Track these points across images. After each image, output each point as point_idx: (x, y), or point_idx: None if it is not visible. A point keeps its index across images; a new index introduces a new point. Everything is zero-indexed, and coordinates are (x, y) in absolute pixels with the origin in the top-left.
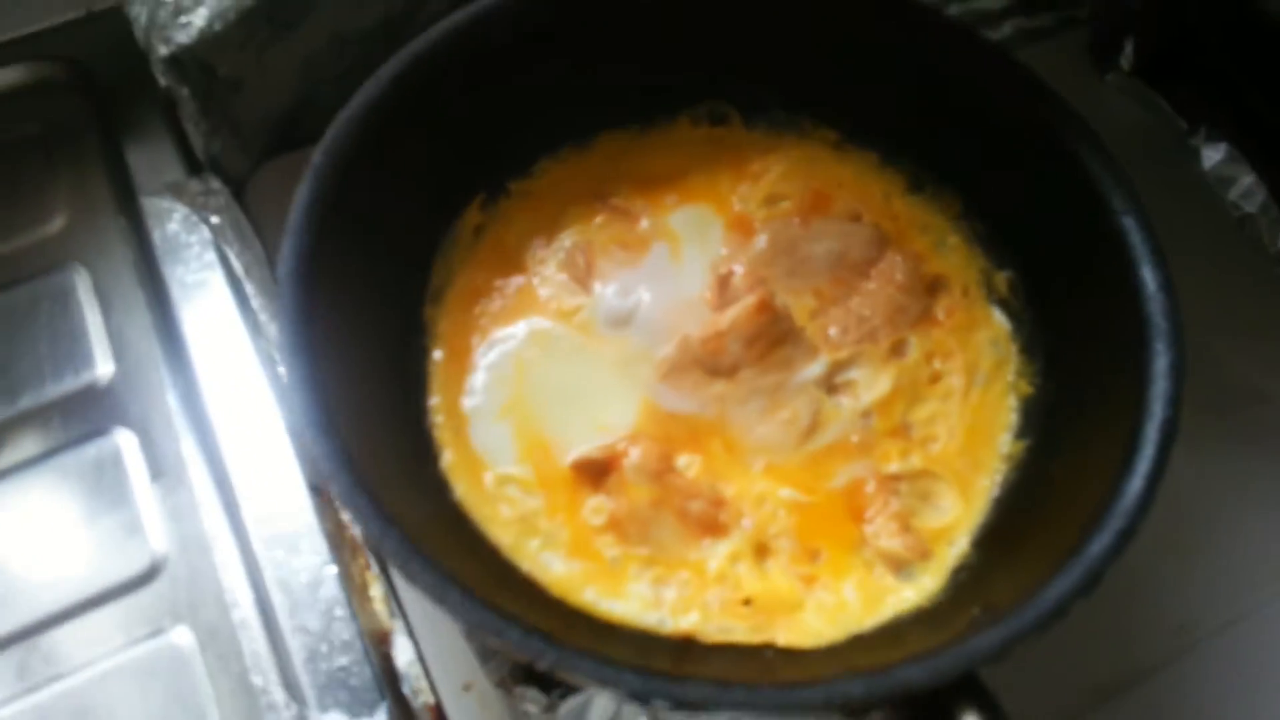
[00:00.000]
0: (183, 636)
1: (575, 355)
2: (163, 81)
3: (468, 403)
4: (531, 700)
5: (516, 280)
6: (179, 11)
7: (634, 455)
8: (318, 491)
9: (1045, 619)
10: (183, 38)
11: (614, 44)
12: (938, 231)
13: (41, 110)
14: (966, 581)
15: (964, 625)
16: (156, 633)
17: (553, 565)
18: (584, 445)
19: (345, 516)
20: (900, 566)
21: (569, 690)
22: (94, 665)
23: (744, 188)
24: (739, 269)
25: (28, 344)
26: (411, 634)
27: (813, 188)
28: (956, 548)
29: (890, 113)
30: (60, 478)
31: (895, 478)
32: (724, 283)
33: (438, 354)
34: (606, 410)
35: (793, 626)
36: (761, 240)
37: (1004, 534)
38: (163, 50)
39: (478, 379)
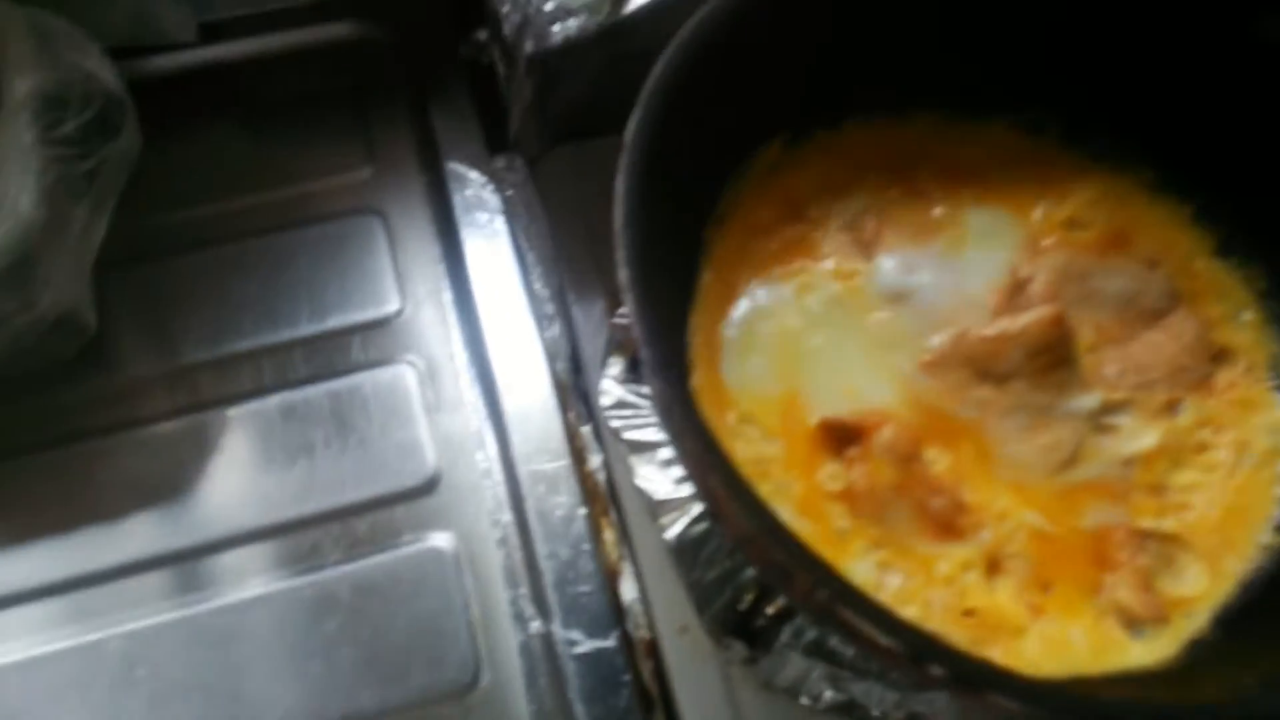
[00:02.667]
0: (450, 543)
1: (842, 317)
2: (501, 70)
3: (726, 332)
4: (736, 652)
5: (799, 227)
6: (553, 20)
7: (886, 432)
8: (572, 443)
9: None
10: (548, 43)
11: (958, 33)
12: (1236, 302)
13: (360, 67)
14: (1207, 658)
15: (1231, 695)
16: (428, 536)
17: (780, 516)
18: (833, 407)
19: (591, 466)
20: (1134, 623)
21: (768, 649)
22: (376, 554)
23: (1046, 204)
24: (1041, 276)
25: (336, 273)
26: (639, 576)
27: (1117, 223)
28: (1194, 621)
29: (1213, 170)
30: (357, 392)
31: (1145, 534)
32: (1019, 287)
33: (708, 276)
34: (863, 381)
35: (1011, 651)
36: (1054, 259)
37: (1251, 622)
38: (529, 48)
39: (740, 312)
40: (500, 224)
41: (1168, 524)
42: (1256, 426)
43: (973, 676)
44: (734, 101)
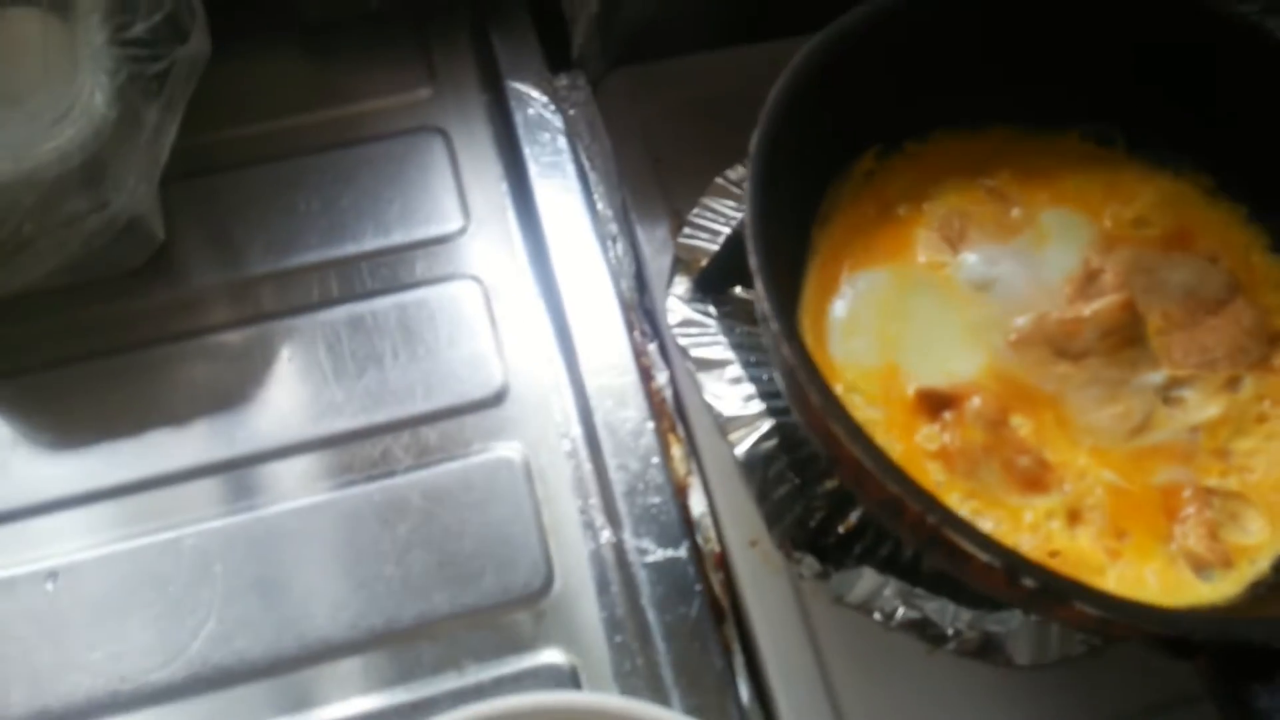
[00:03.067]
0: (520, 453)
1: (934, 302)
2: None
3: (833, 316)
4: (807, 566)
5: (892, 225)
6: None
7: (976, 400)
8: (638, 360)
9: None
10: None
11: (1038, 55)
12: None
13: None
14: (1265, 596)
15: None
16: (497, 446)
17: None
18: (928, 379)
19: (658, 383)
20: (1202, 567)
21: (839, 565)
22: (446, 462)
23: (1115, 206)
24: (1111, 267)
25: (399, 190)
26: (707, 490)
27: (1180, 223)
28: (1257, 566)
29: (1266, 174)
30: (424, 306)
31: (1211, 491)
32: (1092, 277)
33: (814, 267)
34: (954, 358)
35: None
36: (1123, 254)
37: None
38: None
39: (844, 299)
40: (563, 143)
41: (1231, 483)
42: None
43: (1061, 588)
44: (834, 119)
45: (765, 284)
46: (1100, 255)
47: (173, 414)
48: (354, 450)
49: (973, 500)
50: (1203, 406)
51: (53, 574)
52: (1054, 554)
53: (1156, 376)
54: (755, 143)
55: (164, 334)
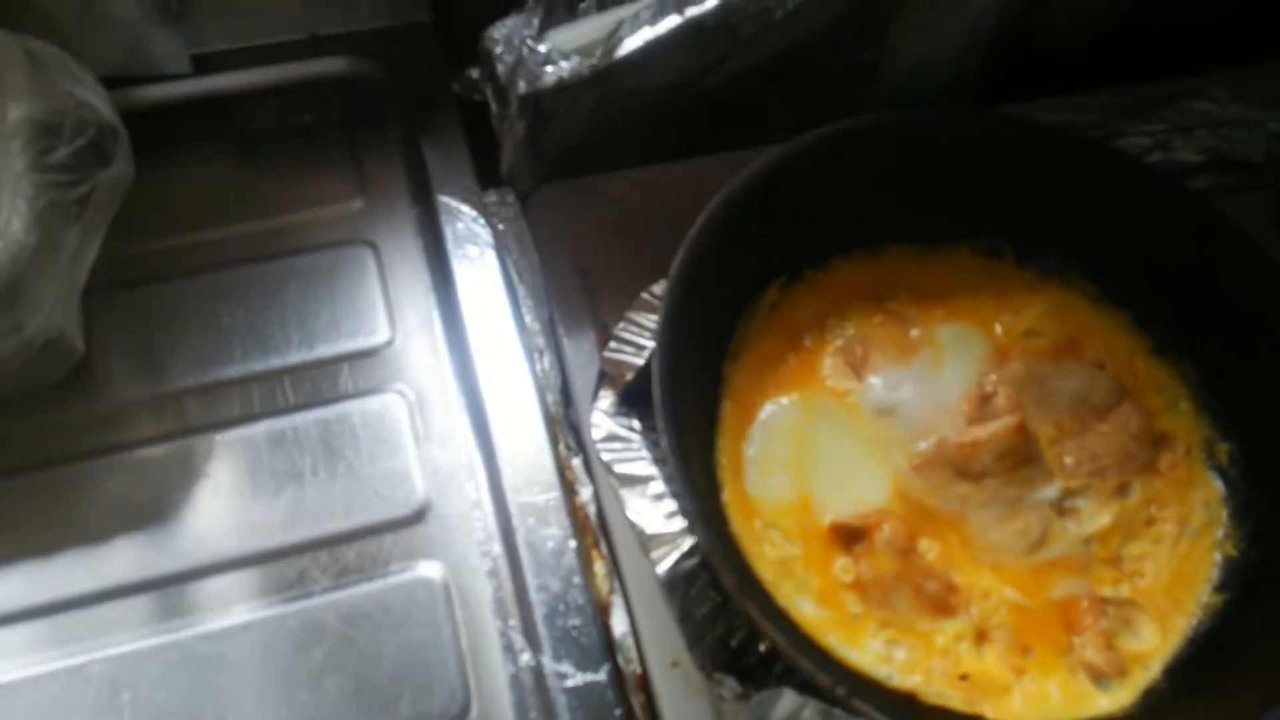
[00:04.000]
0: (438, 572)
1: (841, 429)
2: (495, 108)
3: (748, 452)
4: (728, 687)
5: (799, 356)
6: (546, 62)
7: (886, 530)
8: (562, 475)
9: None
10: (540, 84)
11: (923, 183)
12: (1172, 394)
13: (352, 101)
14: (1156, 705)
15: None
16: (417, 566)
17: (804, 607)
18: (840, 510)
19: (581, 498)
20: (1100, 678)
21: (760, 685)
22: (364, 583)
23: (1006, 317)
24: (1003, 390)
25: (326, 302)
26: (629, 609)
27: (1068, 331)
28: (1150, 672)
29: (1145, 281)
30: (346, 420)
31: (1105, 600)
32: (986, 399)
33: (728, 404)
34: (862, 485)
35: (1001, 706)
36: (1016, 367)
37: (1197, 671)
38: (522, 88)
39: (756, 433)
40: (491, 257)
41: (1124, 590)
42: (1194, 501)
43: None
44: (740, 254)
45: (671, 436)
46: (995, 369)
47: (88, 532)
48: (271, 570)
49: (887, 629)
50: (1095, 516)
51: None
52: (964, 677)
53: (1051, 490)
54: (670, 285)
55: (82, 449)
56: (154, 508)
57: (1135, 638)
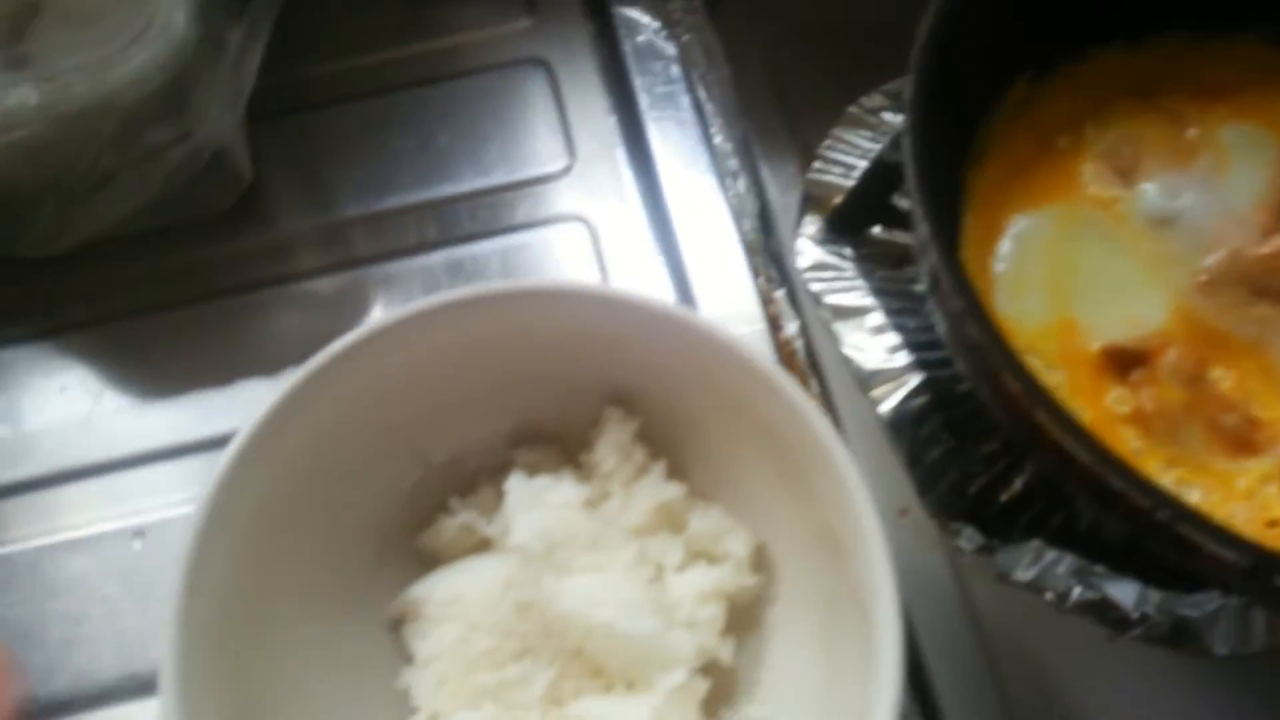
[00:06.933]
0: None
1: (1108, 244)
2: None
3: (995, 268)
4: (967, 539)
5: (1053, 161)
6: None
7: (1171, 355)
8: (765, 308)
9: None
10: None
11: None
12: None
13: None
14: None
15: None
16: None
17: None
18: (1112, 333)
19: (787, 333)
20: None
21: (1005, 538)
22: None
23: None
24: None
25: (497, 128)
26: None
27: None
28: None
29: None
30: (528, 250)
31: None
32: None
33: (969, 216)
34: (1136, 305)
35: None
36: None
37: None
38: None
39: (1006, 246)
40: (676, 72)
41: None
42: None
43: None
44: (981, 45)
45: (941, 251)
46: None
47: (262, 364)
48: None
49: (1176, 468)
50: None
51: (140, 532)
52: (1272, 524)
53: None
54: (909, 91)
55: (252, 280)
56: (328, 341)
57: None
